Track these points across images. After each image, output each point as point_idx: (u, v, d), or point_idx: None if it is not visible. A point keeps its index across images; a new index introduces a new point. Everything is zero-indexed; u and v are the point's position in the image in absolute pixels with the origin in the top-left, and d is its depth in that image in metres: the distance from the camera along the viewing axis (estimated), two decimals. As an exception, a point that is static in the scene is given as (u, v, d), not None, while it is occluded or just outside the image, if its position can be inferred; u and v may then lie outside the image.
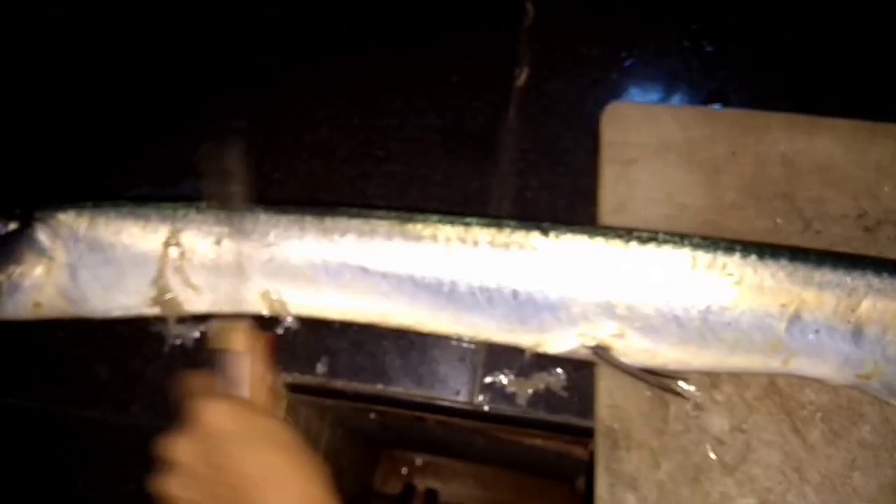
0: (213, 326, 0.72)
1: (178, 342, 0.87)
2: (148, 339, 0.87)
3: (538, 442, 1.05)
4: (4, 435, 0.89)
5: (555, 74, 0.99)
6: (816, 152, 0.92)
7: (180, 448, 0.66)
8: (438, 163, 0.94)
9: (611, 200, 0.91)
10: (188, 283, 0.82)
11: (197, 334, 0.87)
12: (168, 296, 0.83)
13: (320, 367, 0.86)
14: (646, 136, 0.92)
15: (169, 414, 0.84)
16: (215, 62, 1.03)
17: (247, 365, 0.71)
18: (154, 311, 0.84)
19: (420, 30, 1.03)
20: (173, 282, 0.82)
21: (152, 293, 0.83)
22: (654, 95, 0.97)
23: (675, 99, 0.97)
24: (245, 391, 0.70)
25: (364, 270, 0.81)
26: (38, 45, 1.07)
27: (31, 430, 0.89)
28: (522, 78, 0.99)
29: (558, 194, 0.93)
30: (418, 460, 1.92)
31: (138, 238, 0.82)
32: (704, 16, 1.02)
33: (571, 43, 1.01)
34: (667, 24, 1.01)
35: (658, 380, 0.80)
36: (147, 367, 0.88)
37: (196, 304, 0.84)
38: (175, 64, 1.04)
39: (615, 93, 0.97)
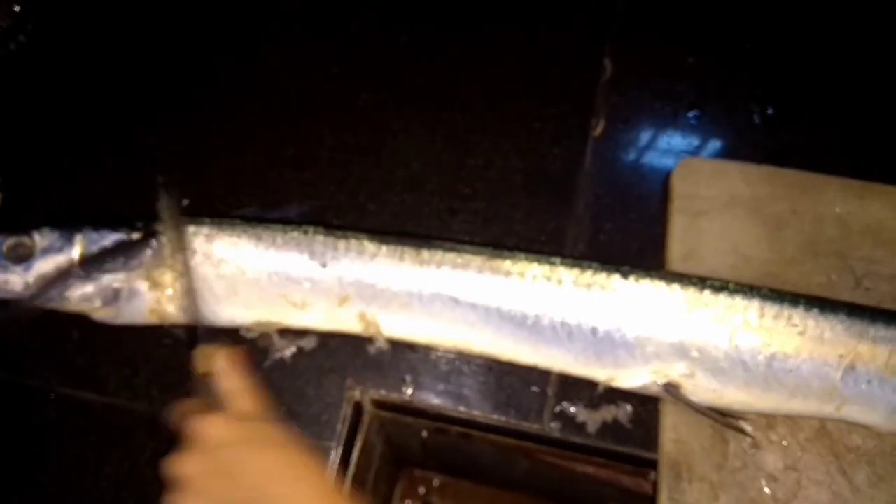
0: (193, 354, 0.77)
1: (278, 355, 0.95)
2: (250, 353, 0.95)
3: (589, 469, 1.13)
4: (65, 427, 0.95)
5: (629, 127, 1.09)
6: (868, 215, 1.02)
7: (186, 465, 0.69)
8: (519, 202, 1.04)
9: (680, 248, 1.00)
10: (292, 301, 0.91)
11: (295, 349, 0.96)
12: (274, 312, 0.92)
13: (406, 389, 0.95)
14: (715, 190, 1.02)
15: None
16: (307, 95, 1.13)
17: (231, 381, 0.76)
18: (260, 324, 0.93)
19: (510, 77, 1.13)
20: (279, 299, 0.91)
21: (260, 308, 0.92)
22: (718, 152, 1.07)
23: (739, 157, 1.06)
24: (234, 405, 0.75)
25: (455, 300, 0.90)
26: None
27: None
28: (599, 129, 1.09)
29: (630, 239, 1.02)
30: (436, 481, 1.99)
31: (250, 256, 0.91)
32: (768, 80, 1.12)
33: (645, 99, 1.11)
34: (733, 87, 1.12)
35: (723, 418, 0.89)
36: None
37: (299, 320, 0.93)
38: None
39: (683, 147, 1.06)
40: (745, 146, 1.09)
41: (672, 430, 0.92)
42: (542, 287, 0.90)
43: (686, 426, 0.92)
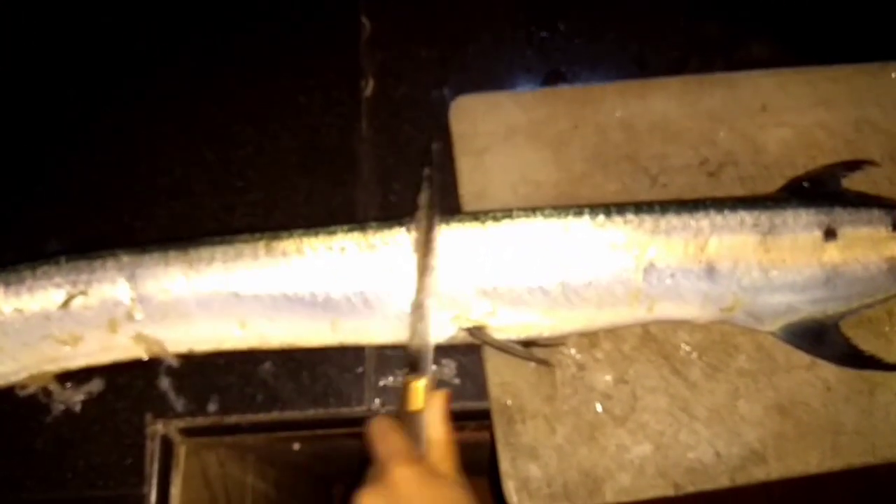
0: (408, 383, 0.77)
1: (63, 407, 0.90)
2: (30, 410, 0.90)
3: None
4: None
5: (400, 80, 1.08)
6: (652, 112, 1.04)
7: (368, 499, 0.71)
8: (299, 183, 1.02)
9: (470, 189, 1.00)
10: (60, 340, 0.86)
11: (81, 396, 0.91)
12: (44, 357, 0.87)
13: (211, 406, 0.91)
14: (492, 124, 1.03)
15: (65, 483, 0.89)
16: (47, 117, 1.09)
17: (438, 430, 0.76)
18: (34, 376, 0.88)
19: (264, 57, 1.11)
20: (45, 341, 0.86)
21: (28, 357, 0.87)
22: (495, 86, 1.07)
23: (517, 86, 1.07)
24: (433, 455, 0.75)
25: (235, 296, 0.86)
26: None
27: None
28: (369, 89, 1.08)
29: (422, 193, 1.01)
30: None
31: (1, 303, 0.86)
32: (532, 4, 1.13)
33: (411, 48, 1.10)
34: (498, 18, 1.12)
35: (525, 351, 0.89)
36: (34, 440, 0.91)
37: (73, 359, 0.88)
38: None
39: (459, 90, 1.06)
40: (521, 75, 1.10)
41: (496, 373, 0.92)
42: (325, 260, 0.88)
43: (508, 367, 0.91)
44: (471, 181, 1.00)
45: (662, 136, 1.02)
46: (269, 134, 1.04)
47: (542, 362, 0.89)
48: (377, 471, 0.72)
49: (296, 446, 1.31)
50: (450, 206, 0.98)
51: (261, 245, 0.87)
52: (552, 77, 1.08)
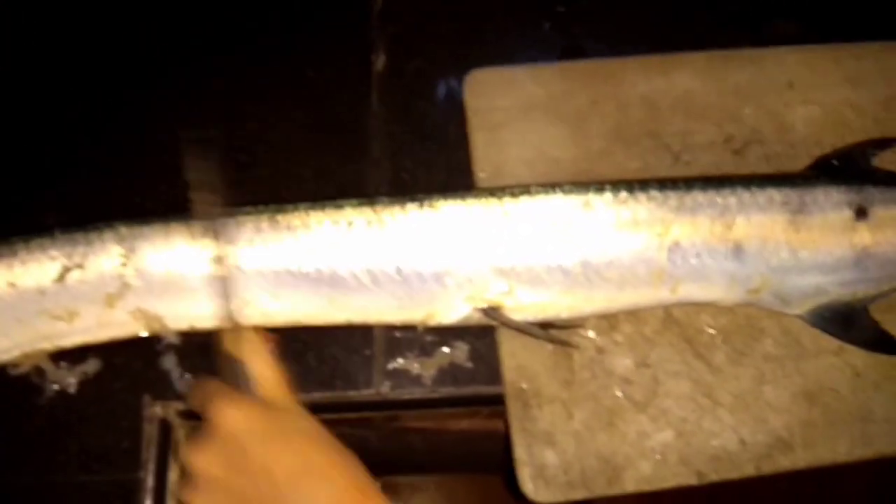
0: (218, 335, 0.73)
1: (58, 388, 0.87)
2: (23, 391, 0.87)
3: (464, 425, 1.08)
4: None
5: (412, 55, 1.04)
6: (675, 88, 1.00)
7: (200, 457, 0.66)
8: (307, 160, 0.98)
9: (486, 167, 0.97)
10: (55, 315, 0.83)
11: (76, 377, 0.87)
12: (38, 334, 0.84)
13: (212, 387, 0.87)
14: (509, 100, 0.99)
15: (58, 467, 0.86)
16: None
17: (259, 366, 0.72)
18: (27, 355, 0.85)
19: (269, 30, 1.07)
20: (39, 317, 0.83)
21: (21, 334, 0.84)
22: (512, 61, 1.03)
23: (534, 60, 1.04)
24: (261, 392, 0.71)
25: (238, 270, 0.83)
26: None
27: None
28: (380, 63, 1.04)
29: (434, 171, 0.98)
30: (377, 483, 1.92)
31: (-3, 278, 0.83)
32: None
33: (425, 22, 1.07)
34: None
35: (545, 332, 0.85)
36: (27, 422, 0.88)
37: (70, 336, 0.85)
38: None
39: (475, 64, 1.02)
40: (538, 50, 1.06)
41: (511, 356, 0.88)
42: (332, 235, 0.84)
43: (525, 349, 0.88)
44: (486, 158, 0.96)
45: (685, 113, 0.99)
46: (276, 109, 1.01)
47: (562, 343, 0.85)
48: (203, 426, 0.67)
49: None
50: (464, 185, 0.95)
51: (265, 218, 0.84)
52: (571, 52, 1.04)
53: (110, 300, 0.83)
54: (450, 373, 0.89)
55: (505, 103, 0.99)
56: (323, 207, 0.85)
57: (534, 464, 0.84)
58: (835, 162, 0.93)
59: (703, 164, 0.96)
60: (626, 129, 0.98)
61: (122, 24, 1.10)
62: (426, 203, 0.85)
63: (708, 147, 0.97)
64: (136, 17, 1.10)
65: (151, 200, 0.96)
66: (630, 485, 0.84)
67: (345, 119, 1.01)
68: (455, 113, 0.99)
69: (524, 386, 0.87)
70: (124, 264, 0.83)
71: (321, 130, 1.01)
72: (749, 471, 0.85)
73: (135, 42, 1.08)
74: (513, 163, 0.96)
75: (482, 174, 0.96)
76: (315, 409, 0.90)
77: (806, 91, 1.00)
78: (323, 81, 1.03)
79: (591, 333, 0.88)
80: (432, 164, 0.98)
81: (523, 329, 0.85)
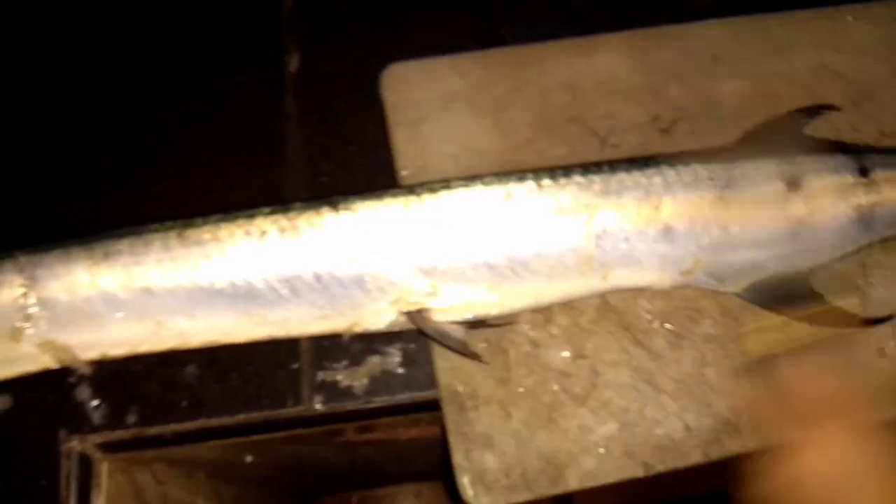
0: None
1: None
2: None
3: (413, 433, 1.05)
4: None
5: (327, 54, 1.02)
6: (597, 70, 0.98)
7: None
8: (221, 170, 0.95)
9: (409, 165, 0.94)
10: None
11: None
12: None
13: (131, 417, 0.84)
14: (428, 92, 0.97)
15: None
16: None
17: None
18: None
19: (173, 30, 1.04)
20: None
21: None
22: (430, 54, 1.01)
23: (453, 51, 1.01)
24: None
25: (147, 291, 0.79)
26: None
27: None
28: (294, 64, 1.01)
29: (355, 172, 0.95)
30: (354, 499, 1.90)
31: None
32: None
33: (338, 19, 1.04)
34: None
35: (460, 343, 0.82)
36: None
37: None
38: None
39: (392, 60, 0.99)
40: (459, 40, 1.03)
41: (444, 358, 0.85)
42: (245, 247, 0.81)
43: (457, 350, 0.85)
44: (408, 155, 0.93)
45: (610, 95, 0.97)
46: (181, 116, 0.97)
47: (475, 357, 0.82)
48: None
49: (248, 458, 1.24)
50: (388, 185, 0.91)
51: (173, 234, 0.80)
52: (490, 40, 1.02)
53: (14, 334, 0.79)
54: (383, 381, 0.86)
55: (424, 97, 0.96)
56: (234, 219, 0.82)
57: (473, 469, 0.81)
58: (764, 134, 0.92)
59: (631, 145, 0.94)
60: (550, 115, 0.96)
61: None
62: (342, 206, 0.82)
63: (635, 128, 0.95)
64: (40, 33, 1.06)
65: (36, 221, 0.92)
66: (574, 482, 0.81)
67: (258, 124, 0.98)
68: (374, 111, 0.96)
69: (460, 388, 0.84)
70: (25, 294, 0.79)
71: (232, 138, 0.97)
72: (697, 458, 0.82)
73: (35, 56, 1.04)
74: (436, 158, 0.94)
75: (405, 172, 0.93)
76: (243, 430, 0.88)
77: (733, 64, 0.99)
78: (233, 86, 1.00)
79: (525, 328, 0.85)
80: (353, 166, 0.95)
81: (441, 339, 0.82)
